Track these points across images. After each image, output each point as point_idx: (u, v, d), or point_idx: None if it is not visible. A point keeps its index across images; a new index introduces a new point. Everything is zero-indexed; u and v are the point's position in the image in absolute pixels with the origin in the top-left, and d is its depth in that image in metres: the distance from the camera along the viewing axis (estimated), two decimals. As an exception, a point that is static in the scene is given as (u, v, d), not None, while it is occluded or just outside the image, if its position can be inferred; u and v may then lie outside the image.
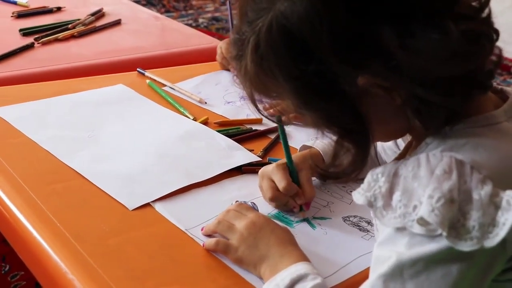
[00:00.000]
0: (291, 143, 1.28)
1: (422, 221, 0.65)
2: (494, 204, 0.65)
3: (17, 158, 1.13)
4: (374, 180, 0.70)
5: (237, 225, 0.92)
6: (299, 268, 0.84)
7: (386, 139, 0.89)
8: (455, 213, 0.65)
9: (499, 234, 0.64)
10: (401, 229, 0.68)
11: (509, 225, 0.63)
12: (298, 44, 0.67)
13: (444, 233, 0.64)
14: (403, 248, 0.67)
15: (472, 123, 0.72)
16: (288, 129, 1.34)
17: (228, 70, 1.56)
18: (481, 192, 0.65)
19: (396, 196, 0.68)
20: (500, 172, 0.68)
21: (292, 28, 0.67)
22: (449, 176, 0.66)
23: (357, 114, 0.71)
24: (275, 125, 1.33)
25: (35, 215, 0.98)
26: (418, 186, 0.67)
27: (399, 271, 0.67)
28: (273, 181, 1.01)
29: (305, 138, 1.30)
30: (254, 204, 1.00)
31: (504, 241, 0.65)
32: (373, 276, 0.70)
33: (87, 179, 1.08)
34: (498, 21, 0.72)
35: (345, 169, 0.76)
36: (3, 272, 1.89)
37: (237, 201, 0.99)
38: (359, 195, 0.71)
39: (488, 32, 0.69)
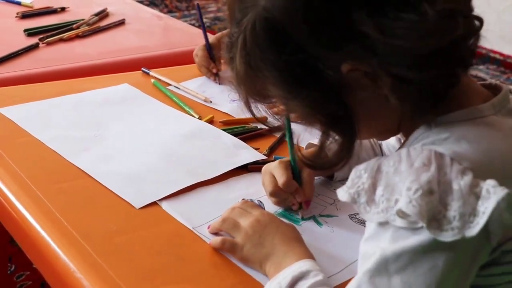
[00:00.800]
0: (295, 141, 1.28)
1: (402, 214, 0.66)
2: (474, 194, 0.65)
3: (24, 158, 1.13)
4: (358, 177, 0.70)
5: (242, 223, 0.92)
6: (301, 265, 0.84)
7: (378, 136, 0.89)
8: (435, 204, 0.65)
9: (479, 223, 0.64)
10: (384, 224, 0.68)
11: (489, 214, 0.64)
12: (280, 35, 0.70)
13: (424, 224, 0.64)
14: (387, 243, 0.68)
15: (457, 116, 0.73)
16: (295, 128, 1.34)
17: (211, 75, 1.55)
18: (460, 182, 0.65)
19: (379, 191, 0.68)
20: (482, 164, 0.68)
21: (274, 20, 0.70)
22: (427, 168, 0.66)
23: (342, 102, 0.72)
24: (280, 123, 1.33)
25: (42, 214, 0.98)
26: (399, 180, 0.67)
27: (384, 266, 0.67)
28: (274, 177, 1.02)
29: (310, 137, 1.30)
30: (261, 202, 1.00)
31: (488, 232, 0.66)
32: (359, 272, 0.70)
33: (93, 178, 1.08)
34: (501, 19, 0.73)
35: (331, 159, 0.78)
36: (9, 272, 1.89)
37: (243, 199, 0.99)
38: (343, 192, 0.71)
39: (463, 8, 0.70)
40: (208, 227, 0.96)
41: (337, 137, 0.76)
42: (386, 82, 0.70)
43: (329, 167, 0.81)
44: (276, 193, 1.02)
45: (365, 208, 0.69)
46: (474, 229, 0.64)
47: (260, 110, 0.85)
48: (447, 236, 0.64)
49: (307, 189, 1.03)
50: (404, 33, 0.66)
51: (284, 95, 0.75)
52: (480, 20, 0.72)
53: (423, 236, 0.66)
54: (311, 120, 0.77)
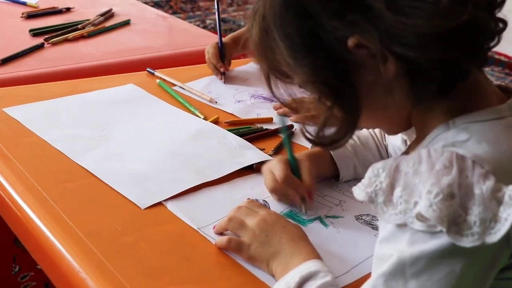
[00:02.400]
0: (301, 142, 1.28)
1: (421, 217, 0.64)
2: (496, 199, 0.63)
3: (29, 158, 1.13)
4: (375, 176, 0.69)
5: (248, 222, 0.92)
6: (309, 265, 0.83)
7: (384, 126, 0.86)
8: (455, 208, 0.63)
9: (501, 230, 0.62)
10: (402, 226, 0.67)
11: (511, 221, 0.62)
12: (294, 2, 0.72)
13: (443, 229, 0.63)
14: (405, 246, 0.66)
15: (476, 117, 0.72)
16: (298, 128, 1.34)
17: (218, 74, 1.56)
18: (482, 187, 0.64)
19: (397, 192, 0.67)
20: (503, 167, 0.67)
21: None
22: (449, 171, 0.65)
23: (347, 78, 0.72)
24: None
25: (47, 214, 0.98)
26: (419, 182, 0.66)
27: (400, 270, 0.66)
28: (274, 174, 1.03)
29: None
30: (266, 202, 1.00)
31: (508, 237, 0.64)
32: (374, 275, 0.69)
33: (98, 178, 1.07)
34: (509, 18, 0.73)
35: (332, 135, 0.77)
36: (13, 273, 1.89)
37: (248, 198, 0.99)
38: (359, 191, 0.70)
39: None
40: (214, 228, 0.95)
41: (340, 114, 0.75)
42: (390, 67, 0.70)
43: (329, 143, 0.79)
44: (277, 189, 1.02)
45: (382, 208, 0.68)
46: (495, 236, 0.63)
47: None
48: (467, 242, 0.63)
49: (308, 180, 1.03)
50: (410, 12, 0.66)
51: (291, 62, 0.75)
52: (504, 23, 0.71)
53: (442, 240, 0.64)
54: (316, 91, 0.76)
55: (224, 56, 1.55)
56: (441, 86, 0.72)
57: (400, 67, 0.70)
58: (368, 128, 0.86)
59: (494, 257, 0.67)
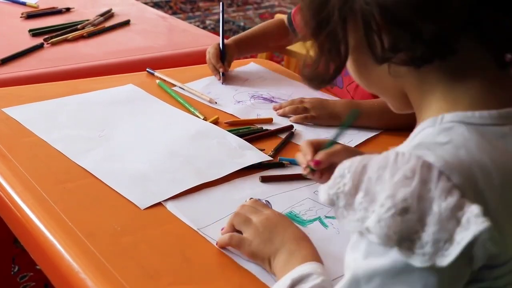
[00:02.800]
0: (301, 142, 1.27)
1: (369, 232, 0.60)
2: (456, 218, 0.58)
3: (29, 158, 1.12)
4: (340, 176, 0.63)
5: (253, 219, 0.92)
6: (303, 268, 0.82)
7: (382, 94, 0.79)
8: (411, 223, 0.58)
9: (451, 254, 0.57)
10: (362, 234, 0.62)
11: (464, 245, 0.57)
12: None
13: (392, 246, 0.59)
14: (360, 257, 0.62)
15: (467, 118, 0.65)
16: (300, 129, 1.34)
17: (216, 74, 1.55)
18: (442, 204, 0.58)
19: (359, 197, 0.62)
20: (475, 180, 0.61)
21: None
22: (408, 182, 0.59)
23: (342, 27, 0.69)
24: (284, 124, 1.33)
25: (47, 214, 0.98)
26: (380, 190, 0.61)
27: (356, 287, 0.62)
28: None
29: (315, 138, 1.30)
30: (268, 202, 1.00)
31: (470, 257, 0.59)
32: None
33: (98, 179, 1.07)
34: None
35: (318, 72, 0.74)
36: (12, 273, 1.89)
37: (251, 198, 0.99)
38: (323, 192, 0.65)
39: None
40: (222, 229, 0.95)
41: (322, 61, 0.72)
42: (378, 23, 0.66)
43: (313, 78, 0.75)
44: (297, 156, 1.08)
45: (342, 213, 0.63)
46: (446, 259, 0.58)
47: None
48: (417, 261, 0.58)
49: (320, 153, 1.03)
50: None
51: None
52: None
53: (396, 256, 0.59)
54: (315, 36, 0.71)
55: (224, 57, 1.54)
56: (407, 55, 0.65)
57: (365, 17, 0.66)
58: (368, 90, 0.81)
59: (455, 275, 0.61)
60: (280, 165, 1.18)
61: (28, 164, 1.10)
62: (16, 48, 1.67)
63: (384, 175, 0.61)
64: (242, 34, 1.67)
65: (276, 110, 1.41)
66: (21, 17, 1.93)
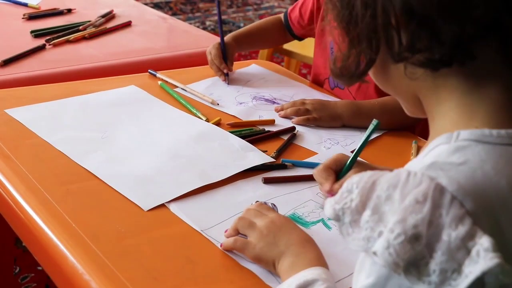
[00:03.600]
0: (303, 144, 1.28)
1: (376, 256, 0.58)
2: (466, 248, 0.55)
3: (32, 159, 1.12)
4: (348, 191, 0.61)
5: (257, 223, 0.92)
6: (308, 273, 0.82)
7: (396, 95, 0.75)
8: (419, 250, 0.56)
9: (459, 285, 0.55)
10: (366, 252, 0.60)
11: (472, 279, 0.54)
12: None
13: (399, 274, 0.57)
14: (363, 277, 0.60)
15: (485, 137, 0.61)
16: (302, 130, 1.34)
17: (221, 75, 1.55)
18: (452, 234, 0.56)
19: (366, 214, 0.59)
20: (491, 207, 0.58)
21: None
22: (420, 208, 0.56)
23: (368, 24, 0.66)
24: (287, 126, 1.34)
25: (51, 216, 0.98)
26: (388, 210, 0.58)
27: None
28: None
29: (317, 140, 1.30)
30: (274, 205, 1.00)
31: (482, 283, 0.56)
32: None
33: (101, 180, 1.07)
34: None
35: (348, 67, 0.70)
36: (13, 274, 1.89)
37: (257, 201, 0.99)
38: (328, 206, 0.62)
39: None
40: (225, 231, 0.95)
41: (353, 56, 0.69)
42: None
43: (343, 74, 0.72)
44: (315, 174, 1.04)
45: (347, 229, 0.60)
46: None
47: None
48: None
49: (335, 185, 1.01)
50: None
51: None
52: None
53: (401, 279, 0.57)
54: (345, 31, 0.69)
55: (226, 57, 1.55)
56: (425, 56, 0.63)
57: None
58: (384, 89, 0.79)
59: None
60: (283, 166, 1.18)
61: (31, 165, 1.10)
62: (18, 49, 1.67)
63: (394, 195, 0.58)
64: (240, 30, 1.66)
65: (278, 112, 1.41)
66: (23, 18, 1.93)
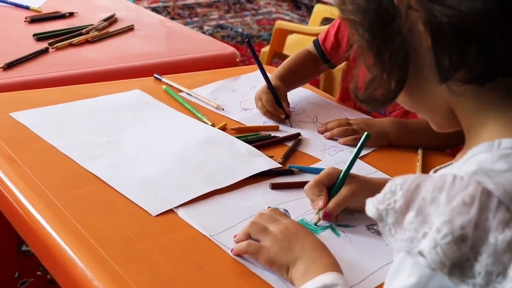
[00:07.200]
0: (307, 150, 1.28)
1: (422, 255, 0.59)
2: (511, 252, 0.56)
3: (38, 164, 1.12)
4: (391, 192, 0.62)
5: (271, 228, 0.91)
6: (325, 278, 0.82)
7: (426, 112, 0.75)
8: (464, 251, 0.57)
9: None
10: (408, 253, 0.61)
11: None
12: None
13: (444, 274, 0.58)
14: (405, 277, 0.61)
15: None
16: (306, 136, 1.34)
17: (281, 121, 1.41)
18: (499, 237, 0.56)
19: (410, 216, 0.60)
20: None
21: None
22: (467, 210, 0.57)
23: (401, 42, 0.65)
24: (292, 132, 1.33)
25: (58, 221, 0.97)
26: (433, 212, 0.59)
27: None
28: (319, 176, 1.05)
29: (321, 147, 1.30)
30: (287, 211, 1.00)
31: None
32: None
33: (108, 185, 1.07)
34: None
35: (374, 95, 0.70)
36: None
37: (269, 206, 0.99)
38: (371, 205, 0.63)
39: None
40: (235, 236, 0.95)
41: (385, 78, 0.68)
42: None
43: (372, 99, 0.71)
44: (306, 191, 1.05)
45: (390, 230, 0.61)
46: None
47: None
48: None
49: (330, 204, 1.02)
50: None
51: (349, 9, 0.68)
52: None
53: (443, 280, 0.58)
54: (368, 50, 0.68)
55: (280, 101, 1.41)
56: (473, 71, 0.62)
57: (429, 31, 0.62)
58: (409, 108, 0.78)
59: None
60: (290, 172, 1.18)
61: (38, 169, 1.09)
62: (21, 53, 1.66)
63: (439, 197, 0.59)
64: (281, 70, 1.52)
65: (322, 133, 1.36)
66: (25, 21, 1.93)
